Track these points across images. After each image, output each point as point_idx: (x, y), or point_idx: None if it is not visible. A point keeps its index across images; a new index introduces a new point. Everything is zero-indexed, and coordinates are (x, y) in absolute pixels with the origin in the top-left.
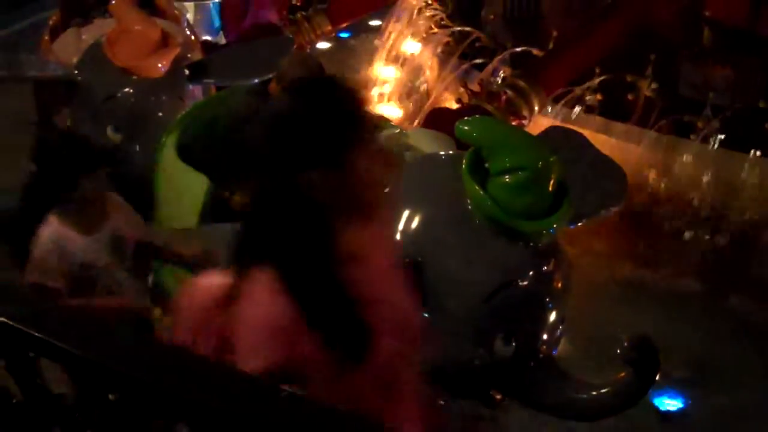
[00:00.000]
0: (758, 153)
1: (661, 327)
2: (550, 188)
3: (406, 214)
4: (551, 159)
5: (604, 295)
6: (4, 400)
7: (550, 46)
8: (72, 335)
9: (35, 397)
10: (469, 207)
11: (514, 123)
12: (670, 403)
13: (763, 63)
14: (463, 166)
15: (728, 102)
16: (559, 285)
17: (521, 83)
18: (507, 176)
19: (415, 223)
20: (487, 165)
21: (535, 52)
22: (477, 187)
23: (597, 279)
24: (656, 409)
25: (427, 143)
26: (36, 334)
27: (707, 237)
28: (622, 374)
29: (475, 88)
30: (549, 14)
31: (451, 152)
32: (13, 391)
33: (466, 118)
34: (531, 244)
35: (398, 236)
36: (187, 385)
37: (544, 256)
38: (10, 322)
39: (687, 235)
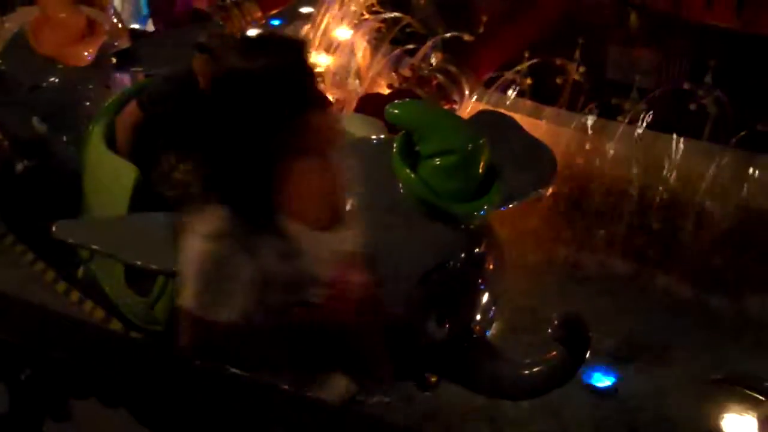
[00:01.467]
0: (682, 135)
1: (593, 306)
2: (480, 171)
3: None
4: (480, 141)
5: (537, 276)
6: None
7: (480, 30)
8: None
9: None
10: (401, 190)
11: (445, 108)
12: (601, 380)
13: (687, 45)
14: (394, 149)
15: (654, 84)
16: (491, 267)
17: (452, 68)
18: (437, 159)
19: (347, 207)
20: (417, 148)
21: (465, 37)
22: (408, 170)
23: (530, 260)
24: (588, 386)
25: (359, 128)
26: None
27: (636, 218)
28: (554, 353)
29: (406, 73)
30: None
31: (382, 136)
32: None
33: (395, 101)
34: (462, 226)
35: None
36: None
37: (476, 238)
38: None
39: (616, 216)
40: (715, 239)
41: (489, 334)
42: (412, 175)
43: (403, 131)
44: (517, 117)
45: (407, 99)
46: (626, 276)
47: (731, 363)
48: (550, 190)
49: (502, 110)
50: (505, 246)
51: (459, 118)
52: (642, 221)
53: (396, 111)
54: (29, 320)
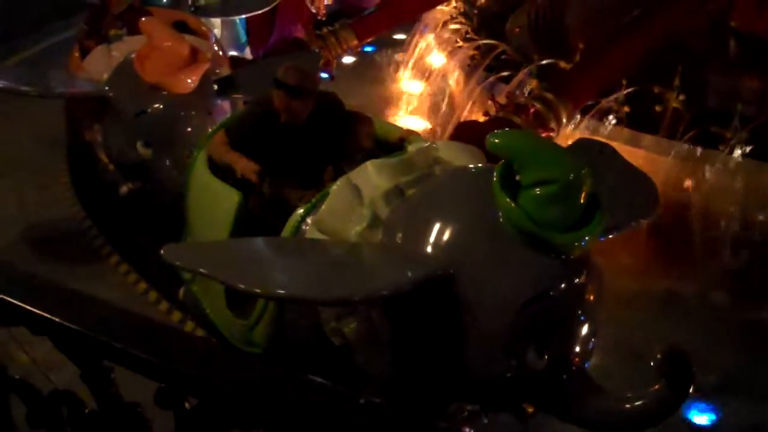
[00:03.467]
0: None
1: (694, 340)
2: (582, 200)
3: (437, 226)
4: (582, 171)
5: (638, 308)
6: (78, 409)
7: (576, 58)
8: (145, 343)
9: (109, 406)
10: (501, 219)
11: (542, 135)
12: (702, 417)
13: None
14: (494, 178)
15: (756, 112)
16: (591, 297)
17: (549, 95)
18: (538, 188)
19: (446, 236)
20: (518, 177)
21: (561, 64)
22: (508, 200)
23: (630, 291)
24: (689, 422)
25: (457, 156)
26: (112, 343)
27: (739, 249)
28: (656, 387)
29: (503, 100)
30: (574, 26)
31: (481, 165)
32: (87, 400)
33: (496, 131)
34: (563, 256)
35: (430, 249)
36: (265, 392)
37: (576, 268)
38: (84, 330)
39: (717, 247)
40: None
41: (589, 365)
42: (513, 205)
43: (504, 160)
44: (615, 145)
45: (507, 128)
46: (729, 310)
47: None
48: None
49: (600, 138)
50: (606, 277)
51: (560, 147)
52: (744, 253)
53: (497, 140)
54: (193, 352)
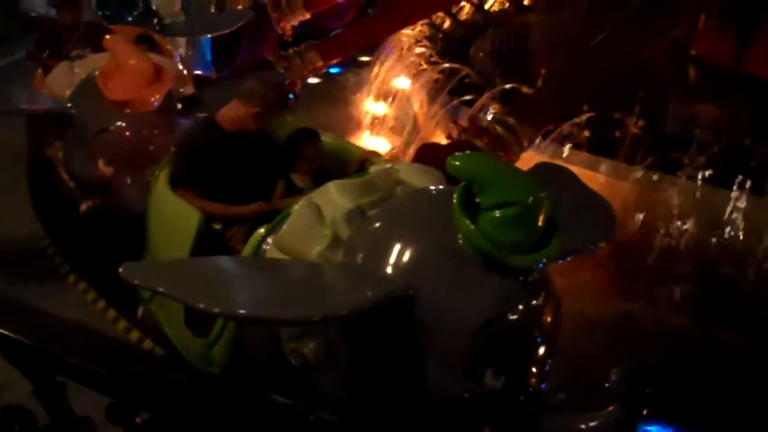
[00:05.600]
0: (743, 189)
1: (652, 361)
2: (540, 223)
3: (397, 247)
4: (541, 194)
5: (595, 329)
6: (30, 425)
7: (538, 83)
8: (97, 358)
9: (61, 421)
10: (460, 241)
11: (503, 159)
12: None
13: (748, 101)
14: (454, 200)
15: (714, 139)
16: (549, 319)
17: (510, 120)
18: (497, 211)
19: (406, 256)
20: (477, 200)
21: (523, 89)
22: (468, 221)
23: (587, 313)
24: None
25: (418, 177)
26: (65, 357)
27: (694, 271)
28: (611, 408)
29: (465, 124)
30: (536, 52)
31: (441, 187)
32: (39, 416)
33: (457, 153)
34: (521, 278)
35: (390, 270)
36: (215, 408)
37: (534, 290)
38: (37, 345)
39: (674, 269)
40: None
41: (546, 387)
42: (472, 226)
43: (464, 182)
44: (575, 169)
45: (468, 151)
46: (685, 331)
47: None
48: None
49: (560, 162)
50: (563, 298)
51: (519, 170)
52: (700, 276)
53: (458, 163)
54: (145, 367)
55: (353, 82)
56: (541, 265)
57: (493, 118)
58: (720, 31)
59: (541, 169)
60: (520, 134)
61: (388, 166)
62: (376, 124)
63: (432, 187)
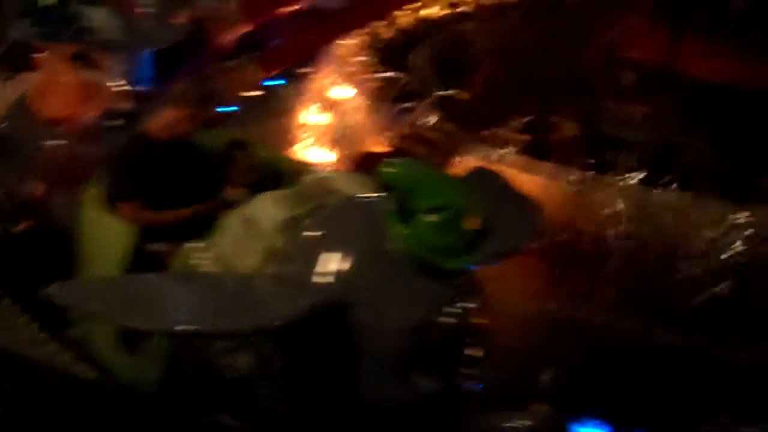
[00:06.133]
0: (674, 186)
1: (589, 361)
2: (470, 227)
3: (329, 256)
4: (471, 199)
5: (529, 330)
6: None
7: (477, 89)
8: None
9: None
10: (393, 247)
11: (441, 165)
12: None
13: (679, 99)
14: (387, 207)
15: (646, 138)
16: (480, 320)
17: (447, 126)
18: (428, 216)
19: (339, 264)
20: (409, 205)
21: (461, 95)
22: (400, 227)
23: (521, 314)
24: None
25: (352, 186)
26: None
27: (631, 271)
28: (543, 407)
29: (403, 132)
30: (476, 58)
31: (374, 194)
32: None
33: (389, 161)
34: (451, 281)
35: (323, 278)
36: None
37: (465, 293)
38: None
39: (611, 270)
40: (714, 292)
41: (478, 387)
42: (405, 231)
43: (397, 189)
44: (513, 173)
45: (401, 158)
46: (622, 330)
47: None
48: (539, 244)
49: (498, 166)
50: (497, 299)
51: (450, 176)
52: (638, 275)
53: (390, 170)
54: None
55: (294, 94)
56: (472, 267)
57: (430, 125)
58: (651, 31)
59: (474, 173)
60: (456, 140)
61: (321, 175)
62: (318, 135)
63: (364, 195)
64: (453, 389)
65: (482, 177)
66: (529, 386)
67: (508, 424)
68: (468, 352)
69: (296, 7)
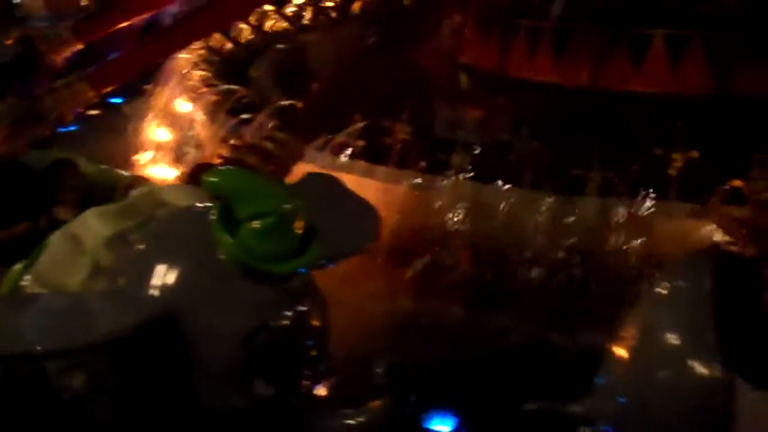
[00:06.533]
0: (504, 183)
1: (439, 354)
2: (297, 231)
3: (159, 268)
4: (295, 203)
5: (381, 328)
6: None
7: (314, 98)
8: None
9: None
10: (221, 256)
11: (276, 173)
12: (443, 426)
13: (509, 101)
14: (213, 216)
15: (478, 138)
16: (317, 323)
17: (280, 134)
18: (253, 223)
19: (168, 277)
20: (235, 214)
21: (299, 104)
22: (226, 236)
23: (371, 313)
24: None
25: (183, 198)
26: None
27: (468, 266)
28: (380, 401)
29: (236, 142)
30: (314, 68)
31: (201, 204)
32: None
33: (212, 170)
34: (284, 286)
35: (152, 291)
36: None
37: (298, 297)
38: None
39: (449, 265)
40: (543, 280)
41: (319, 388)
42: (231, 240)
43: (222, 198)
44: (352, 177)
45: (224, 167)
46: (468, 323)
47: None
48: (377, 245)
49: (338, 172)
50: (343, 300)
51: (273, 182)
52: (474, 269)
53: (212, 179)
54: None
55: (134, 110)
56: (303, 271)
57: (263, 134)
58: (483, 38)
59: (308, 178)
60: (290, 148)
61: (150, 188)
62: (160, 150)
63: (192, 206)
64: (292, 392)
65: (317, 182)
66: (368, 384)
67: (343, 422)
68: (306, 354)
69: (130, 22)
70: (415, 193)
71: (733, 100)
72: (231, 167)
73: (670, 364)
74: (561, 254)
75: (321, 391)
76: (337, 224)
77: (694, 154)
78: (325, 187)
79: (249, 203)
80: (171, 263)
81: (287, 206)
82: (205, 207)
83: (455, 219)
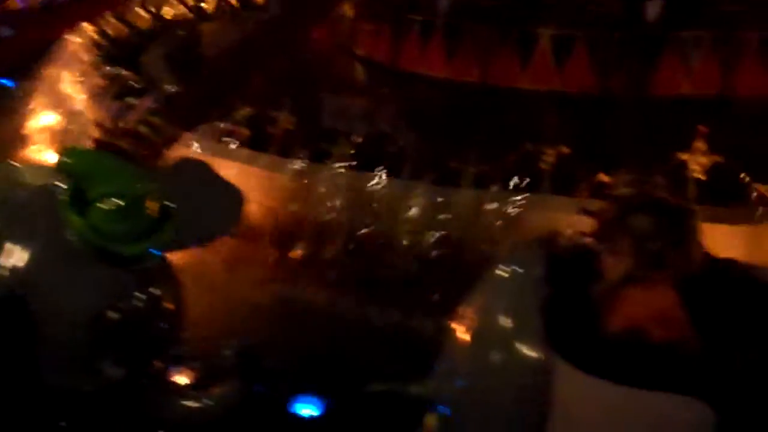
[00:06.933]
0: (385, 173)
1: (315, 339)
2: (151, 213)
3: (7, 248)
4: (147, 186)
5: (260, 315)
6: None
7: (202, 85)
8: None
9: None
10: (71, 236)
11: (150, 158)
12: (307, 409)
13: (395, 93)
14: (63, 196)
15: (362, 129)
16: (170, 306)
17: (154, 119)
18: (104, 203)
19: (15, 257)
20: (87, 194)
21: (182, 91)
22: (75, 216)
23: (250, 301)
24: (295, 416)
25: (40, 178)
26: None
27: (344, 251)
28: (229, 382)
29: (109, 126)
30: (207, 56)
31: (54, 184)
32: None
33: (65, 149)
34: (135, 268)
35: (1, 271)
36: None
37: (150, 279)
38: None
39: (325, 250)
40: (417, 267)
41: (172, 371)
42: (80, 220)
43: (74, 178)
44: (235, 165)
45: (76, 147)
46: (333, 309)
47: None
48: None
49: (221, 158)
50: (214, 286)
51: (126, 164)
52: (349, 254)
53: (65, 159)
54: None
55: (20, 93)
56: (156, 253)
57: (138, 118)
58: (376, 31)
59: (178, 163)
60: (165, 133)
61: (7, 168)
62: (45, 132)
63: (45, 186)
64: (142, 374)
65: (186, 166)
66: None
67: (192, 404)
68: (158, 336)
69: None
70: (297, 181)
71: (613, 100)
72: (86, 149)
73: (502, 346)
74: (434, 244)
75: (174, 374)
76: (199, 208)
77: (565, 149)
78: (193, 171)
79: (100, 184)
80: (20, 242)
81: (138, 187)
82: (58, 187)
83: (334, 207)
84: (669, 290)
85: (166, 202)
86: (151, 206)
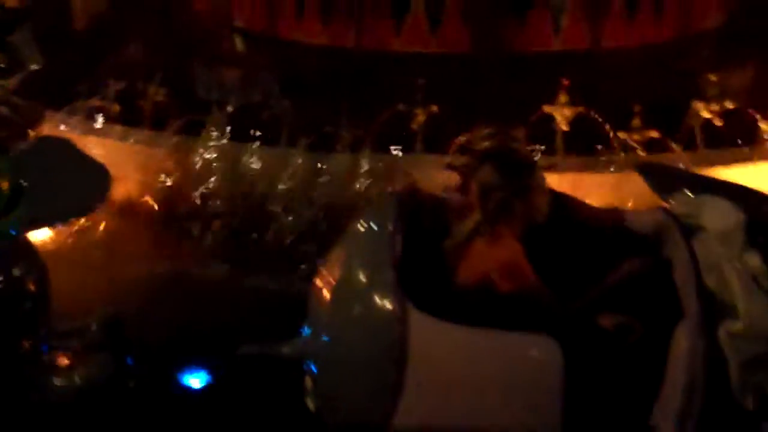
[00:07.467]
0: (259, 143)
1: (199, 311)
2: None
3: None
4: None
5: (141, 291)
6: None
7: (70, 61)
8: None
9: None
10: None
11: (12, 138)
12: (195, 380)
13: (274, 61)
14: None
15: (238, 100)
16: (33, 287)
17: (15, 99)
18: None
19: None
20: None
21: (48, 68)
22: None
23: (135, 276)
24: (182, 387)
25: None
26: None
27: (232, 223)
28: (97, 355)
29: None
30: (79, 30)
31: None
32: None
33: None
34: None
35: None
36: None
37: (8, 260)
38: None
39: (206, 222)
40: (294, 233)
41: (42, 350)
42: None
43: None
44: (107, 142)
45: None
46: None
47: None
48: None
49: (92, 136)
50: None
51: None
52: (228, 225)
53: None
54: None
55: None
56: (13, 233)
57: (6, 99)
58: (253, 1)
59: (39, 143)
60: (27, 113)
61: None
62: None
63: None
64: (11, 354)
65: (51, 146)
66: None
67: (62, 380)
68: (25, 317)
69: None
70: (173, 155)
71: (485, 58)
72: None
73: (359, 300)
74: (313, 209)
75: (45, 354)
76: (59, 186)
77: (434, 108)
78: (54, 150)
79: None
80: None
81: None
82: None
83: (209, 178)
84: (513, 242)
85: (21, 181)
86: (3, 185)
